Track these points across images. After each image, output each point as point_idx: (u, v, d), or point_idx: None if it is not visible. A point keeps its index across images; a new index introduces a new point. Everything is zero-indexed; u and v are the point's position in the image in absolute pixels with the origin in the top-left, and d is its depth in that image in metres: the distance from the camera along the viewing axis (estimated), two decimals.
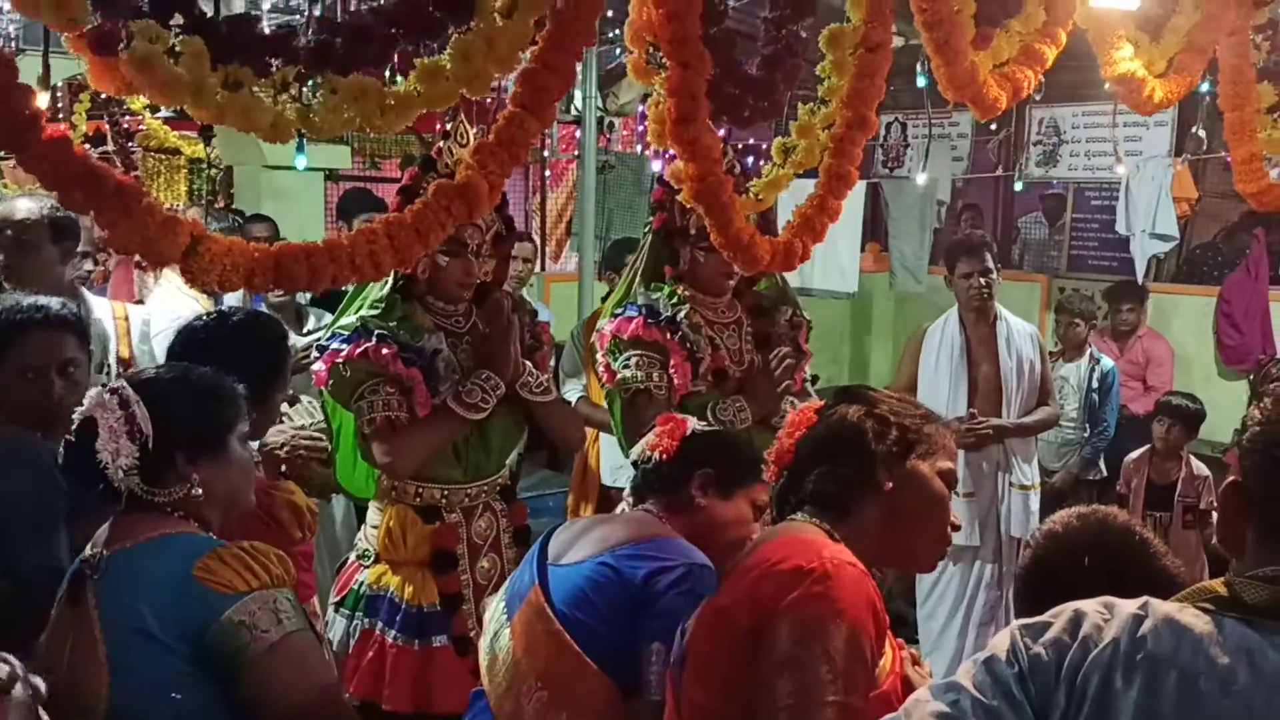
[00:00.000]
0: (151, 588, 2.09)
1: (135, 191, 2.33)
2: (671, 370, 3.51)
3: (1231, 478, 1.67)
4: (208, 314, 3.15)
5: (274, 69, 2.49)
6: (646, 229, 3.80)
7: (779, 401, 3.61)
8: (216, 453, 2.26)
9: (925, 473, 2.14)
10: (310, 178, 7.83)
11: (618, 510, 3.03)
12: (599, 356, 3.66)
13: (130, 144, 8.83)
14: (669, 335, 3.52)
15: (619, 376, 3.54)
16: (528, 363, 3.37)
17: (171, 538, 2.15)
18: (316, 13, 2.90)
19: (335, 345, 3.19)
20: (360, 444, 3.30)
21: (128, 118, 8.79)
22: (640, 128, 9.61)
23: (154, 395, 2.19)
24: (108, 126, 8.85)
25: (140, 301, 6.41)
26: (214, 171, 8.40)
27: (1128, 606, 1.53)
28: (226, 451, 2.28)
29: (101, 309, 4.20)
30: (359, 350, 3.14)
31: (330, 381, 3.20)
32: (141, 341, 4.31)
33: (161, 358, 4.19)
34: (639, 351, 3.52)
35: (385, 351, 3.13)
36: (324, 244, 2.59)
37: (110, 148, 8.67)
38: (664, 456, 2.65)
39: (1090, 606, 1.54)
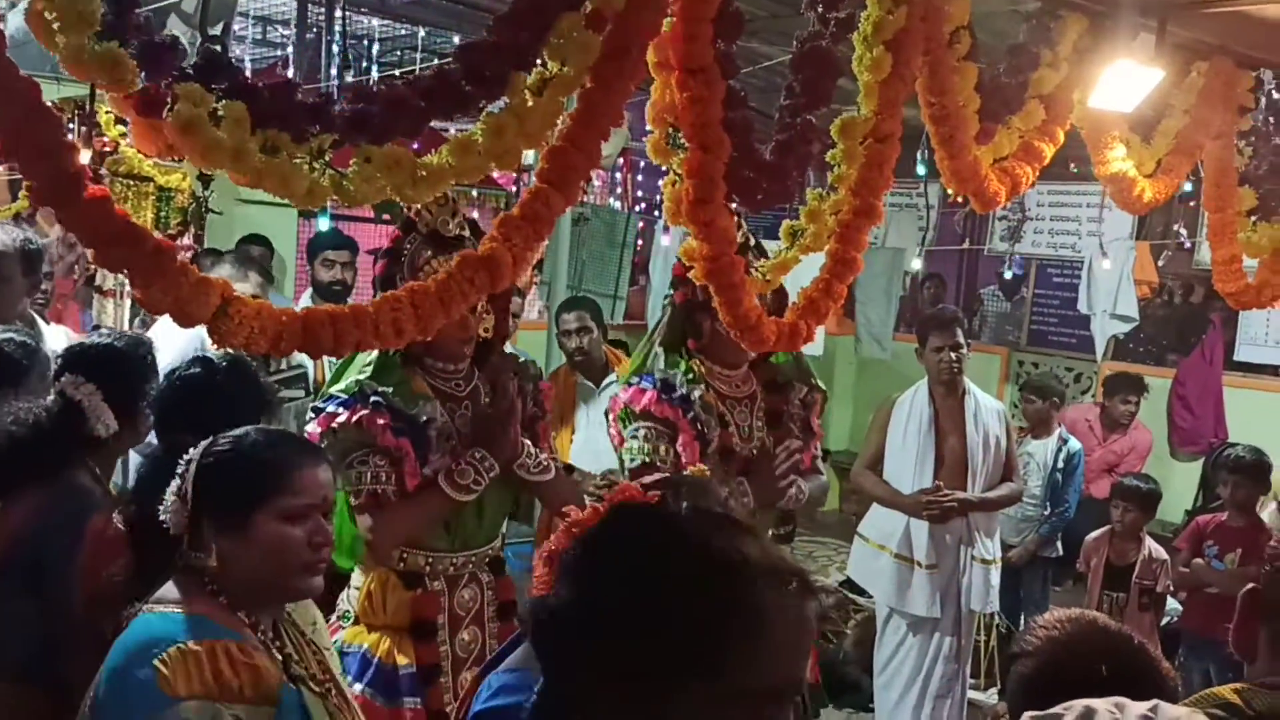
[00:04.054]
0: (116, 661, 1.98)
1: (170, 253, 2.33)
2: (680, 447, 3.50)
3: (1250, 585, 1.73)
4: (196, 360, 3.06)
5: (311, 135, 2.51)
6: (667, 300, 3.77)
7: (783, 490, 3.62)
8: (239, 529, 2.10)
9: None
10: (283, 213, 7.72)
11: None
12: (610, 419, 3.64)
13: (100, 168, 8.71)
14: (681, 413, 3.51)
15: (625, 446, 3.54)
16: (527, 442, 3.27)
17: (168, 616, 2.02)
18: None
19: (330, 409, 3.06)
20: (348, 512, 3.15)
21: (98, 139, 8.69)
22: (613, 179, 9.70)
23: (206, 459, 2.12)
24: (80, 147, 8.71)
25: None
26: (184, 201, 8.29)
27: (1138, 708, 1.56)
28: (251, 530, 2.10)
29: (56, 338, 4.06)
30: (352, 418, 3.02)
31: (323, 445, 3.02)
32: None
33: None
34: (648, 424, 3.51)
35: (379, 421, 3.02)
36: (349, 310, 2.61)
37: None
38: None
39: (1102, 705, 1.57)
